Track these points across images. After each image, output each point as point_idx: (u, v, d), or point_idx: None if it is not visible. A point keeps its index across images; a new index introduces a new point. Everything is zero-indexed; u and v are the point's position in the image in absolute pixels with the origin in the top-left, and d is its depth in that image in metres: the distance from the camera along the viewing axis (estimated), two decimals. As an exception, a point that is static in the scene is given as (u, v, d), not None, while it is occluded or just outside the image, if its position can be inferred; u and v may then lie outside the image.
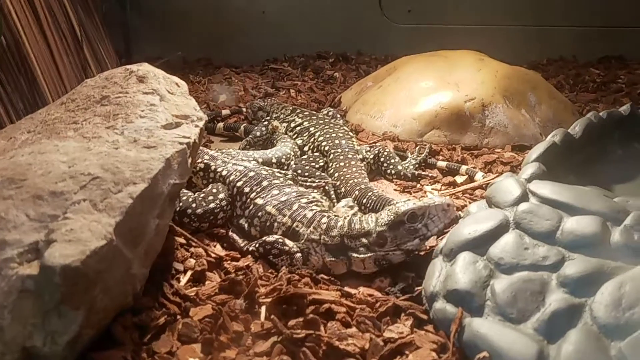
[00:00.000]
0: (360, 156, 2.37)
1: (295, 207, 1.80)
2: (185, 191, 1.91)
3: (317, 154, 2.41)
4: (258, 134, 2.61)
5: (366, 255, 1.66)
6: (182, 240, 1.77)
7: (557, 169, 1.80)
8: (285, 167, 2.32)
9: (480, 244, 1.46)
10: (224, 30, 4.28)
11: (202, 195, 1.93)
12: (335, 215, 1.79)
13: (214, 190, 1.95)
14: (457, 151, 2.50)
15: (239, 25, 4.29)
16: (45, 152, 1.43)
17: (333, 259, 1.69)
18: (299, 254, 1.70)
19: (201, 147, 2.09)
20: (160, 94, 1.70)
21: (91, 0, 3.58)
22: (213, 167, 2.05)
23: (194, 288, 1.55)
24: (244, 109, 3.09)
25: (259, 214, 1.83)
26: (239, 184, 1.95)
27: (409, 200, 1.75)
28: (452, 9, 4.18)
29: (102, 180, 1.31)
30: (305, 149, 2.50)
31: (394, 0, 4.23)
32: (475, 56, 3.03)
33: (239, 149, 2.58)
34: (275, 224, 1.79)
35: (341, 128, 2.54)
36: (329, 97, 3.36)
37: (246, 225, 1.86)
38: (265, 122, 2.65)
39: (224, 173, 2.01)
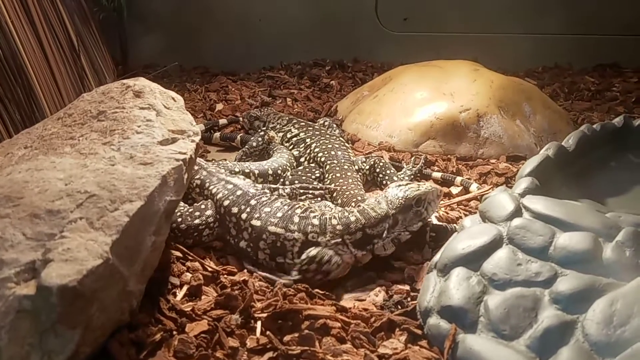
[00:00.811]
0: (356, 167, 2.38)
1: (296, 219, 1.80)
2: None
3: (313, 165, 2.42)
4: (254, 144, 2.62)
5: (386, 238, 1.80)
6: (178, 253, 1.78)
7: (550, 181, 1.81)
8: (282, 179, 2.33)
9: (474, 259, 1.47)
10: (220, 37, 4.30)
11: (189, 210, 1.90)
12: (339, 213, 1.84)
13: (202, 207, 1.90)
14: (452, 162, 2.52)
15: (236, 33, 4.31)
16: (42, 169, 1.44)
17: (363, 252, 1.79)
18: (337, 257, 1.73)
19: (198, 159, 2.10)
20: (156, 109, 1.72)
21: (88, 8, 3.59)
22: (207, 185, 2.00)
23: (190, 303, 1.55)
24: (241, 119, 3.10)
25: (264, 236, 1.78)
26: (225, 203, 1.89)
27: (403, 184, 1.90)
28: (448, 18, 4.20)
29: (98, 198, 1.32)
30: (302, 159, 2.51)
31: (390, 8, 4.25)
32: (470, 66, 3.04)
33: (236, 159, 2.60)
34: (287, 243, 1.77)
35: (337, 139, 2.56)
36: (325, 106, 3.37)
37: (250, 250, 1.81)
38: (262, 133, 2.67)
39: (213, 191, 1.96)
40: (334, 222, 1.79)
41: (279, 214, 1.81)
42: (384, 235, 1.80)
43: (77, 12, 3.37)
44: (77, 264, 1.16)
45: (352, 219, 1.80)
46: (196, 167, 2.04)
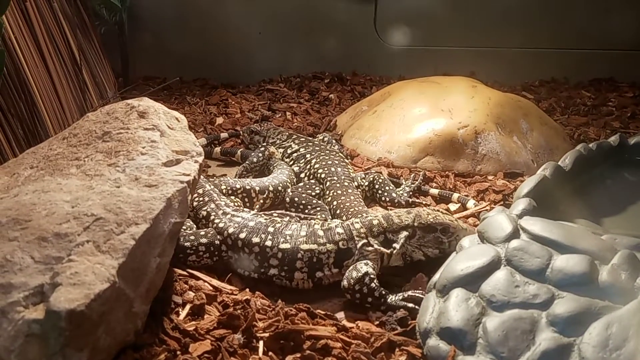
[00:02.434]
0: (356, 183, 2.41)
1: (321, 233, 1.84)
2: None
3: (313, 181, 2.45)
4: (255, 159, 2.65)
5: (400, 248, 1.85)
6: (180, 271, 1.80)
7: (548, 200, 1.84)
8: (282, 195, 2.36)
9: (472, 281, 1.50)
10: (220, 50, 4.33)
11: (188, 231, 1.91)
12: (361, 218, 1.93)
13: (202, 233, 1.89)
14: (450, 178, 2.55)
15: (236, 46, 4.34)
16: (49, 190, 1.47)
17: (388, 250, 1.85)
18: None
19: (209, 187, 2.13)
20: (160, 130, 1.74)
21: (90, 23, 3.63)
22: (212, 217, 1.98)
23: (193, 322, 1.58)
24: (241, 133, 3.13)
25: (299, 255, 1.80)
26: (242, 235, 1.86)
27: (444, 213, 1.96)
28: (446, 31, 4.24)
29: (105, 221, 1.35)
30: (302, 175, 2.54)
31: (388, 22, 4.29)
32: (468, 83, 3.08)
33: (236, 175, 2.62)
34: (323, 256, 1.81)
35: (337, 155, 2.59)
36: (325, 120, 3.40)
37: (284, 274, 1.81)
38: (262, 148, 2.69)
39: (220, 225, 1.93)
40: (357, 225, 1.88)
41: (303, 232, 1.85)
42: (401, 243, 1.85)
43: (79, 26, 3.40)
44: (84, 288, 1.18)
45: (375, 222, 1.89)
46: (206, 199, 2.05)
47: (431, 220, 1.88)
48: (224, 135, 3.13)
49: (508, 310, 1.41)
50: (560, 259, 1.45)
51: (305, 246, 1.81)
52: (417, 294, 1.71)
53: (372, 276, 1.74)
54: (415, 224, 1.88)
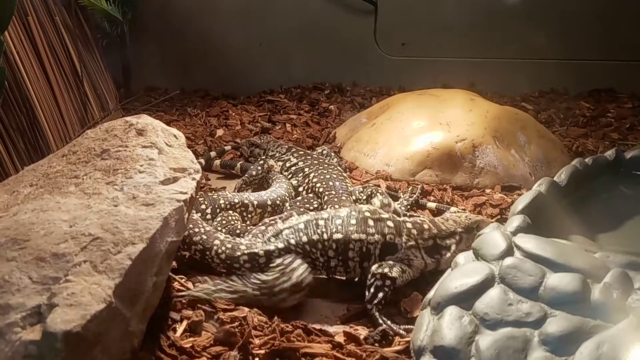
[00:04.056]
0: (354, 197, 2.43)
1: (371, 222, 1.89)
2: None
3: (311, 195, 2.47)
4: (254, 173, 2.67)
5: (450, 253, 1.91)
6: (178, 285, 1.82)
7: (543, 216, 1.85)
8: (280, 209, 2.38)
9: (466, 298, 1.51)
10: (221, 61, 4.37)
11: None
12: (411, 218, 1.98)
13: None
14: (448, 192, 2.56)
15: (237, 57, 4.38)
16: (47, 209, 1.49)
17: (432, 259, 1.91)
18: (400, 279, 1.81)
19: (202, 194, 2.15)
20: (158, 147, 1.76)
21: (91, 35, 3.66)
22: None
23: (190, 339, 1.59)
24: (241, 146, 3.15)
25: (350, 246, 1.86)
26: (304, 238, 1.88)
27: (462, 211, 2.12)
28: (445, 42, 4.26)
29: (102, 240, 1.37)
30: (300, 189, 2.56)
31: (388, 33, 4.32)
32: (466, 96, 3.10)
33: (235, 188, 2.64)
34: (371, 246, 1.86)
35: (335, 168, 2.60)
36: (324, 132, 3.42)
37: (341, 264, 1.87)
38: (261, 161, 2.72)
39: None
40: (408, 225, 1.91)
41: (353, 221, 1.89)
42: (452, 249, 1.92)
43: (80, 38, 3.43)
44: (81, 308, 1.20)
45: (425, 226, 1.93)
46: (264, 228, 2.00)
47: (468, 221, 1.99)
48: (227, 147, 3.16)
49: (501, 328, 1.42)
50: (553, 278, 1.46)
51: (355, 236, 1.87)
52: (394, 327, 1.72)
53: (396, 283, 1.79)
54: (460, 229, 1.96)
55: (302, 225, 1.90)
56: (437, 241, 1.92)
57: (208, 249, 1.91)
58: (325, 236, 1.87)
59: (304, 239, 1.87)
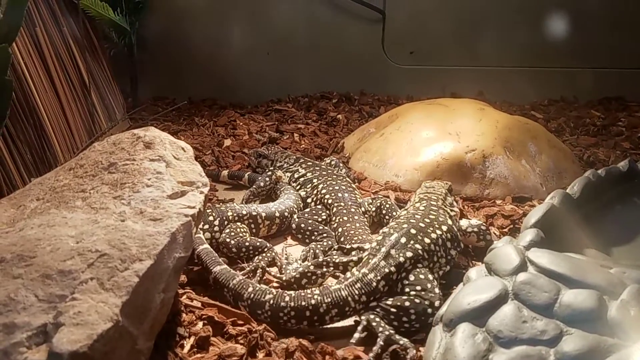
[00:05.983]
0: (363, 209, 2.40)
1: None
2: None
3: (320, 206, 2.44)
4: (262, 184, 2.65)
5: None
6: (186, 301, 1.80)
7: (556, 229, 1.82)
8: (288, 221, 2.36)
9: (479, 315, 1.47)
10: (229, 70, 4.37)
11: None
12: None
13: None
14: (459, 203, 2.53)
15: (244, 66, 4.38)
16: (54, 224, 1.47)
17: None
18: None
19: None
20: (166, 160, 1.75)
21: (99, 45, 3.66)
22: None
23: (198, 355, 1.57)
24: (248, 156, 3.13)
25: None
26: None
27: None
28: (454, 51, 4.24)
29: (109, 257, 1.34)
30: (309, 200, 2.54)
31: (396, 42, 4.30)
32: (475, 105, 3.07)
33: (243, 199, 2.62)
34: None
35: (344, 179, 2.58)
36: (332, 142, 3.40)
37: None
38: (269, 172, 2.69)
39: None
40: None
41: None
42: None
43: (88, 49, 3.44)
44: (87, 328, 1.18)
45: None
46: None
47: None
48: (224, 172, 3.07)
49: (515, 346, 1.38)
50: (569, 294, 1.43)
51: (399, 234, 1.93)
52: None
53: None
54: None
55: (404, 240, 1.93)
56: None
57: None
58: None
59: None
